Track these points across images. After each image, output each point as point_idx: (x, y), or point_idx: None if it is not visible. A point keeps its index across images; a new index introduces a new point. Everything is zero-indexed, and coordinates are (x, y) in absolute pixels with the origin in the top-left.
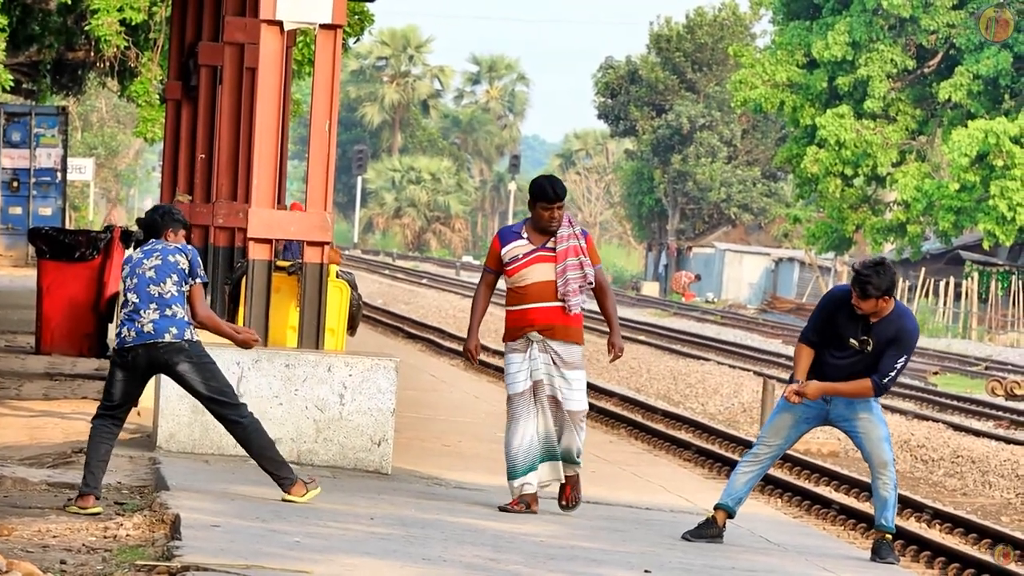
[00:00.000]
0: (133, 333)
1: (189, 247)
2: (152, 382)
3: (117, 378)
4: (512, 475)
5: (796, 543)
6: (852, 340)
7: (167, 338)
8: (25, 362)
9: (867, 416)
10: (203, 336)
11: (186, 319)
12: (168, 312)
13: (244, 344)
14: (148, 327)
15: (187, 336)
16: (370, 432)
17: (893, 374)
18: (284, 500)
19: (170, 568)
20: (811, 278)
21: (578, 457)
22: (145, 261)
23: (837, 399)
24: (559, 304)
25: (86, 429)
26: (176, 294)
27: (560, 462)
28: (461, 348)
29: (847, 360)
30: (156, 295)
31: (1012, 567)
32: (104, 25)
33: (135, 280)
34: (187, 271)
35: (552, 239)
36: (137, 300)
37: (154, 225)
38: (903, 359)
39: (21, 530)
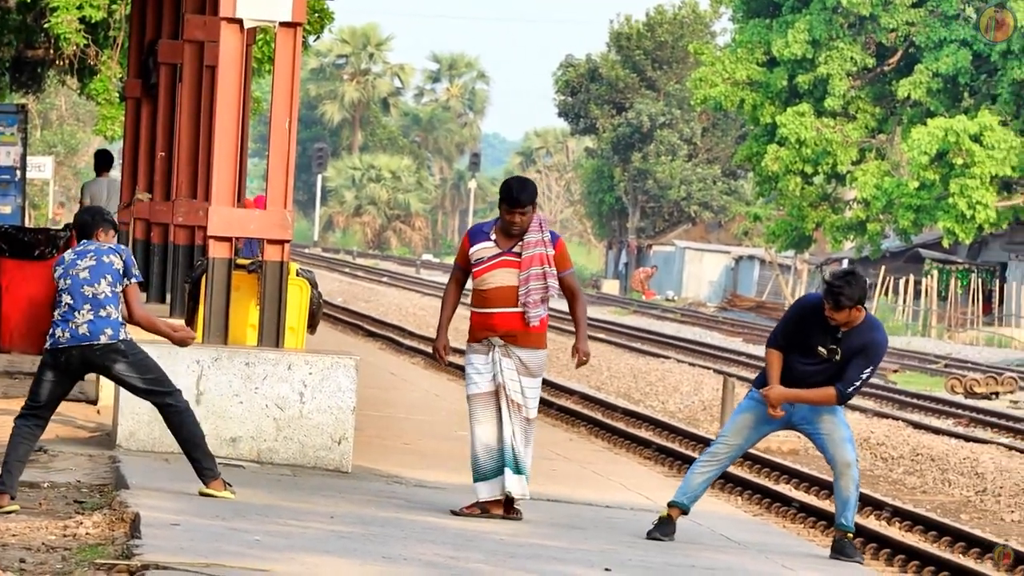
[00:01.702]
0: (67, 334)
1: (123, 247)
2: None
3: (46, 378)
4: (476, 477)
5: (756, 541)
6: (821, 349)
7: (103, 339)
8: None
9: (830, 418)
10: (150, 335)
11: (119, 319)
12: (102, 313)
13: (181, 343)
14: (83, 328)
15: (122, 336)
16: (330, 430)
17: (858, 383)
18: (202, 493)
19: (130, 567)
20: (771, 276)
21: (526, 471)
22: (79, 262)
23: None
24: (522, 310)
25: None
26: (110, 295)
27: (521, 476)
28: (423, 346)
29: (814, 367)
30: (90, 296)
31: (992, 570)
32: (63, 23)
33: (69, 281)
34: (121, 271)
35: (519, 243)
36: (72, 301)
37: (85, 226)
38: (869, 370)
39: None
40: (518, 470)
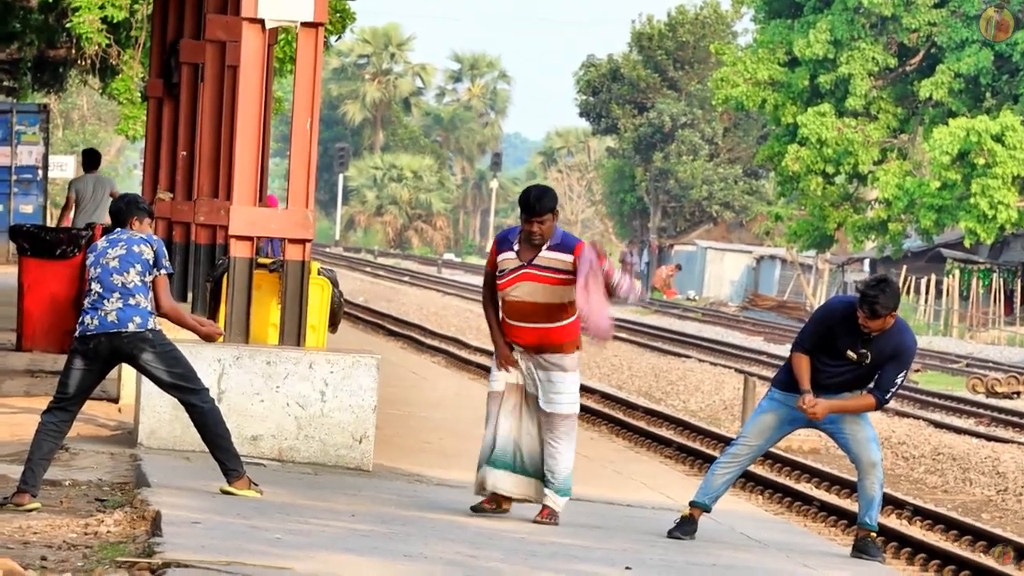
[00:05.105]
0: (96, 321)
1: (155, 237)
2: (133, 379)
3: (75, 367)
4: (478, 466)
5: (777, 539)
6: (851, 353)
7: (131, 327)
8: (6, 359)
9: (853, 417)
10: (175, 331)
11: (149, 308)
12: (131, 301)
13: (208, 337)
14: (112, 316)
15: (150, 325)
16: (351, 429)
17: (894, 388)
18: (223, 491)
19: (151, 564)
20: (792, 276)
21: (557, 481)
22: (109, 250)
23: (821, 401)
24: (540, 326)
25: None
26: (139, 284)
27: (539, 482)
28: (444, 346)
29: (841, 369)
30: (119, 284)
31: (1006, 568)
32: (86, 23)
33: (99, 269)
34: (151, 261)
35: (539, 255)
36: (101, 289)
37: (119, 214)
38: (903, 374)
39: (1, 526)
40: (533, 474)
